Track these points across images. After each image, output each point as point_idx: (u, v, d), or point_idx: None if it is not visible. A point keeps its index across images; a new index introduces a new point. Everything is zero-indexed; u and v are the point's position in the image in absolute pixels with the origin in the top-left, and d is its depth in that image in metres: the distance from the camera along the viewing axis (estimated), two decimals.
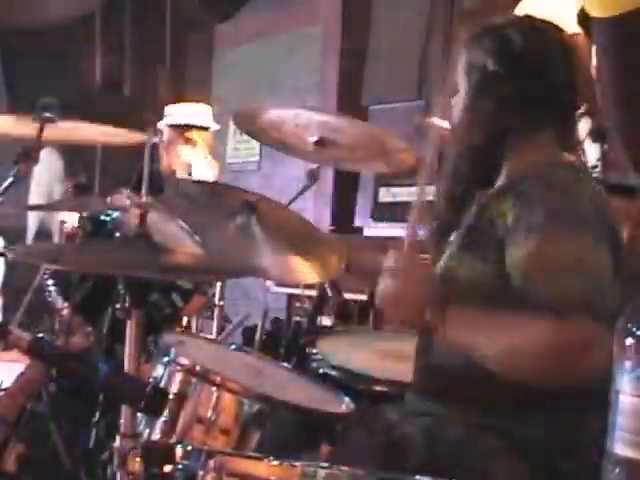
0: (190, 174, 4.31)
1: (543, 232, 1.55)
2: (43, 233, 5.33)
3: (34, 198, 5.20)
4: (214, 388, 1.73)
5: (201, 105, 4.59)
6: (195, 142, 4.37)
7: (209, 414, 1.71)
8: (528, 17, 1.92)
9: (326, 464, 1.27)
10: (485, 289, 1.62)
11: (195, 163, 4.34)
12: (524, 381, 1.50)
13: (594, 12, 3.07)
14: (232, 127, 6.20)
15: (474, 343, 1.56)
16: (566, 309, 1.46)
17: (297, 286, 3.85)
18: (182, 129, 4.39)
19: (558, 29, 1.83)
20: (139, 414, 1.67)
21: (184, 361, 1.79)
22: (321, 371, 2.11)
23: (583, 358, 1.45)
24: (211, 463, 1.22)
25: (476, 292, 1.63)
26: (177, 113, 4.45)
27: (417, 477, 1.31)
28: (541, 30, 1.81)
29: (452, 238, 1.77)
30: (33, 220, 5.86)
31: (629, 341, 1.02)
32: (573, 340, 1.46)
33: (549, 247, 1.54)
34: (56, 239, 3.06)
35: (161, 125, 4.37)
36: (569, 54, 1.80)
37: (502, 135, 1.73)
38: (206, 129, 4.48)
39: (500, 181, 1.75)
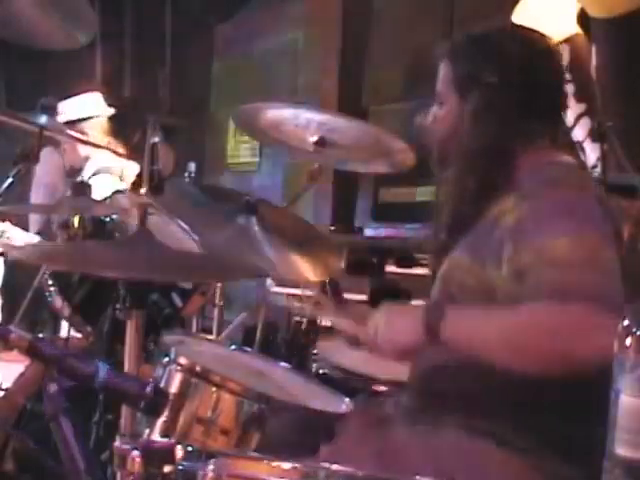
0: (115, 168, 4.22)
1: (552, 229, 1.53)
2: (44, 233, 5.32)
3: (36, 198, 5.19)
4: (214, 388, 1.72)
5: (89, 94, 4.55)
6: (87, 134, 4.29)
7: (209, 414, 1.71)
8: (510, 24, 1.90)
9: (326, 464, 1.27)
10: (480, 296, 1.61)
11: (95, 153, 4.28)
12: (524, 373, 1.46)
13: (594, 12, 3.08)
14: (232, 127, 6.21)
15: (473, 336, 1.53)
16: (572, 297, 1.44)
17: (297, 286, 3.84)
18: (76, 124, 4.34)
19: (538, 32, 1.82)
20: (139, 414, 1.67)
21: (184, 361, 1.78)
22: (321, 371, 2.11)
23: (582, 345, 1.41)
24: (211, 463, 1.22)
25: (472, 298, 1.63)
26: (68, 109, 4.41)
27: (417, 477, 1.31)
28: (526, 35, 1.80)
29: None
30: (34, 220, 5.85)
31: (629, 341, 1.02)
32: (572, 323, 1.43)
33: (559, 243, 1.51)
34: (58, 239, 3.06)
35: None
36: (554, 55, 1.80)
37: (507, 148, 1.70)
38: (98, 117, 4.44)
39: (502, 186, 1.73)
